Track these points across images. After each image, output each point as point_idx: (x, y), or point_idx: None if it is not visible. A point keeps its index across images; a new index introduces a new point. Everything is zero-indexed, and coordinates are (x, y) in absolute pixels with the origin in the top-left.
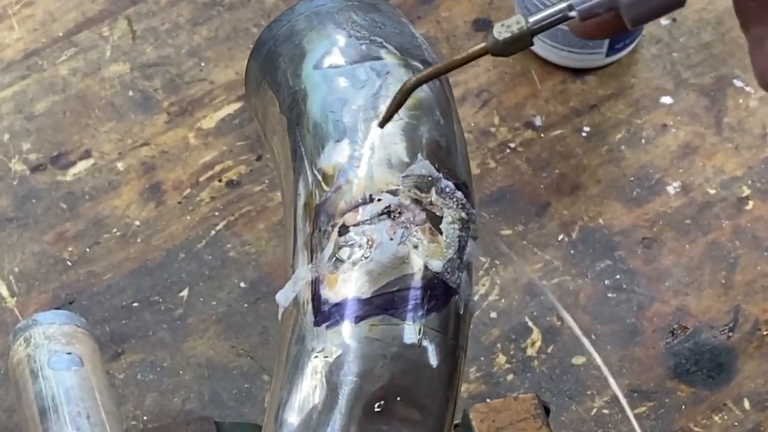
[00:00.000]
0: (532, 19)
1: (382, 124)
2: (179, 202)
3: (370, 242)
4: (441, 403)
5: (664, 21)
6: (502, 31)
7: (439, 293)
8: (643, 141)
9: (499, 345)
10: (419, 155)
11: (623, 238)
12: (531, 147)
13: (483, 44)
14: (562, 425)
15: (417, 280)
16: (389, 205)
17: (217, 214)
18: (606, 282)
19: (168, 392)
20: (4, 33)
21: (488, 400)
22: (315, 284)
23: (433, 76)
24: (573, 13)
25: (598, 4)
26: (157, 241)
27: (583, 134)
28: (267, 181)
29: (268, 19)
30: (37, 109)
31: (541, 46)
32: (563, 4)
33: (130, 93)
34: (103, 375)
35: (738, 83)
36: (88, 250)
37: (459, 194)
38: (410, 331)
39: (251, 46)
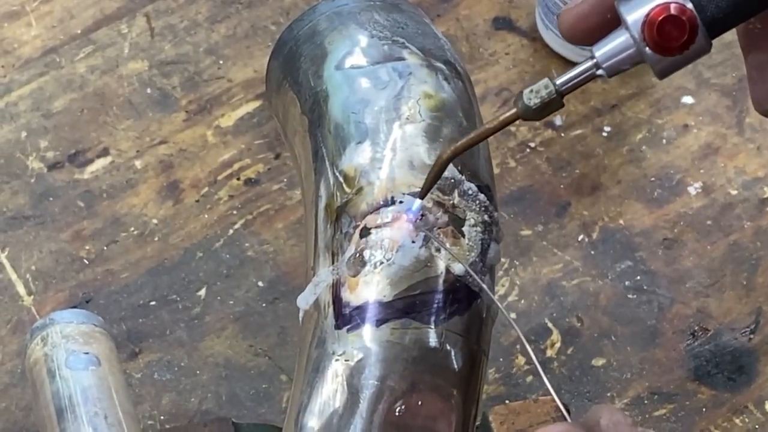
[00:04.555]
0: (559, 81)
1: (421, 196)
2: (197, 201)
3: (391, 245)
4: (462, 407)
5: None
6: (531, 98)
7: (462, 297)
8: (664, 141)
9: (518, 346)
10: None
11: (644, 239)
12: (551, 146)
13: (514, 110)
14: None
15: (439, 284)
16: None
17: (235, 212)
18: (626, 283)
19: (185, 392)
20: (22, 30)
21: (507, 401)
22: (336, 287)
23: (468, 146)
24: (600, 72)
25: (624, 61)
26: (174, 240)
27: (604, 134)
28: (285, 180)
29: (287, 16)
30: (55, 107)
31: (561, 45)
32: (590, 62)
33: (148, 91)
34: (121, 375)
35: None
36: (105, 248)
37: (482, 197)
38: (432, 335)
39: (270, 44)
